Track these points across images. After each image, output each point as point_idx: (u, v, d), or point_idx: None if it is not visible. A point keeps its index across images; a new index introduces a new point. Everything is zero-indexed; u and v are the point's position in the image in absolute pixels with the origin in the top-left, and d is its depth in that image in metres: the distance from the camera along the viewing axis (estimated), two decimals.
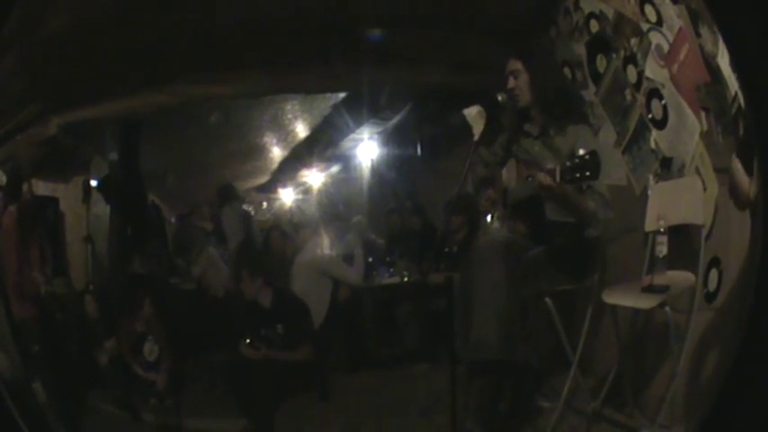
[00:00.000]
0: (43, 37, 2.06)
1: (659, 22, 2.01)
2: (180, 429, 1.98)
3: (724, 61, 2.13)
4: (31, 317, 2.04)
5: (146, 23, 1.90)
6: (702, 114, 2.03)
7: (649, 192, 1.94)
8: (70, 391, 2.08)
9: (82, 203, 1.93)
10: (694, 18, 2.09)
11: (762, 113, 2.19)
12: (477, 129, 1.82)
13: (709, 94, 2.07)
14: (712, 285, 2.02)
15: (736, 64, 2.14)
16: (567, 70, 1.97)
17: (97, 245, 1.94)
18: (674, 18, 2.04)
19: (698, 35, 2.09)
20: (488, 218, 1.88)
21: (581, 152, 1.85)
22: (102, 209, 1.93)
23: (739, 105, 2.13)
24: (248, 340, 1.90)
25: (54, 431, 2.18)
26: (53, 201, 1.97)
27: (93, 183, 1.93)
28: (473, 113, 1.82)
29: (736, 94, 2.12)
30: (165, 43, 1.89)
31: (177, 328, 1.94)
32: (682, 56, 2.02)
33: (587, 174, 1.83)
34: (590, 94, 1.96)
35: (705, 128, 2.02)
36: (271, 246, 1.87)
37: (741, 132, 2.12)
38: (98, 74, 1.93)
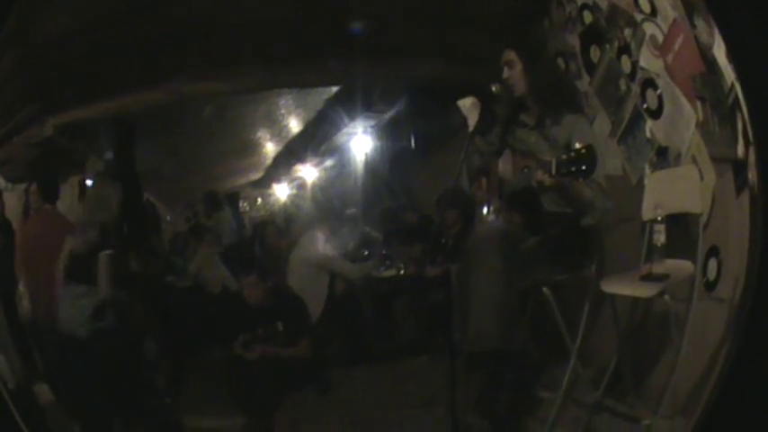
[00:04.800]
0: (38, 39, 2.06)
1: (653, 13, 2.01)
2: (178, 428, 1.97)
3: (720, 52, 2.13)
4: (41, 316, 2.04)
5: (139, 21, 1.90)
6: (698, 104, 2.02)
7: (646, 181, 1.94)
8: (70, 392, 2.08)
9: (78, 203, 1.93)
10: (689, 9, 2.09)
11: (759, 105, 2.19)
12: (472, 119, 1.82)
13: (704, 84, 2.07)
14: (712, 274, 2.02)
15: (732, 55, 2.14)
16: (560, 61, 1.97)
17: None
18: (669, 9, 2.04)
19: (693, 26, 2.08)
20: (485, 209, 1.88)
21: (577, 145, 1.85)
22: None
23: (736, 96, 2.12)
24: (242, 340, 1.89)
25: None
26: None
27: (89, 182, 1.93)
28: (468, 104, 1.82)
29: (732, 84, 2.12)
30: (158, 40, 1.89)
31: (175, 326, 1.93)
32: (676, 46, 2.02)
33: (583, 167, 1.83)
34: (584, 84, 1.96)
35: (701, 118, 2.01)
36: (266, 242, 1.86)
37: (738, 122, 2.12)
38: (92, 73, 1.93)
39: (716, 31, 2.13)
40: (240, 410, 1.92)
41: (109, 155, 1.95)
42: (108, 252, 1.79)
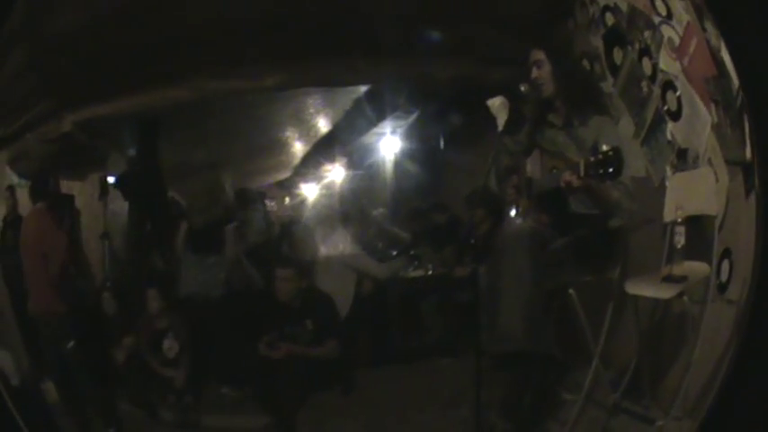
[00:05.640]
0: (54, 31, 2.03)
1: (669, 16, 2.03)
2: (198, 427, 1.96)
3: (727, 56, 2.16)
4: (52, 314, 2.02)
5: (163, 16, 1.89)
6: (712, 107, 2.04)
7: (667, 183, 1.95)
8: (85, 390, 2.06)
9: (98, 200, 1.91)
10: (699, 13, 2.11)
11: (761, 110, 2.21)
12: (501, 119, 1.82)
13: (717, 86, 2.09)
14: (724, 276, 2.04)
15: (734, 61, 2.16)
16: (585, 62, 1.98)
17: (114, 241, 1.92)
18: (682, 12, 2.06)
19: (704, 29, 2.10)
20: (513, 208, 1.89)
21: (604, 147, 1.86)
22: (119, 205, 1.91)
23: (743, 99, 2.15)
24: (267, 339, 1.88)
25: None
26: (68, 198, 1.95)
27: (111, 179, 1.91)
28: (497, 104, 1.82)
29: (738, 87, 2.14)
30: (184, 37, 1.87)
31: (198, 324, 1.92)
32: (691, 49, 2.04)
33: (611, 169, 1.84)
34: (608, 86, 1.97)
35: (715, 120, 2.03)
36: (293, 241, 1.85)
37: (746, 125, 2.14)
38: (114, 69, 1.91)
39: (720, 36, 2.16)
40: (263, 409, 1.91)
41: (132, 152, 1.92)
42: (233, 225, 1.85)
